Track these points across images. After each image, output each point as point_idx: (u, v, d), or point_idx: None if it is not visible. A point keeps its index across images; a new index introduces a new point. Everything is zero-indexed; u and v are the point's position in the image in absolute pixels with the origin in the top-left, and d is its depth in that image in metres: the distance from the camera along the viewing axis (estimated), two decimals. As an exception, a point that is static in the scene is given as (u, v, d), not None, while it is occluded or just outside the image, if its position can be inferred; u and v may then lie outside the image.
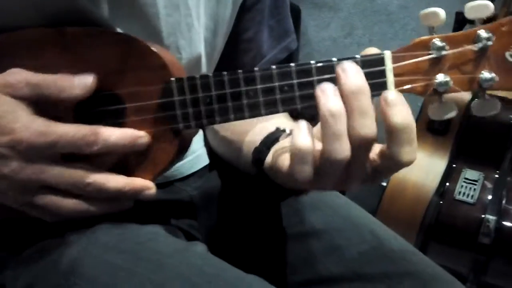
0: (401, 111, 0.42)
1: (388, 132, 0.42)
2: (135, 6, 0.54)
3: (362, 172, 0.44)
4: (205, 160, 0.74)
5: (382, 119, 0.43)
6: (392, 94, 0.42)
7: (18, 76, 0.46)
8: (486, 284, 1.30)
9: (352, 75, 0.42)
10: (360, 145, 0.42)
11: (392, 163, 0.43)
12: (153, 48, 0.49)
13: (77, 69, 0.49)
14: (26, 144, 0.45)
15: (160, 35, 0.56)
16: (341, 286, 0.62)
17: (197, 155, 0.72)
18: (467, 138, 1.41)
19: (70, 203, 0.48)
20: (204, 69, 0.63)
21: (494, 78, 0.44)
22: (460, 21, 1.68)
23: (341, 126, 0.41)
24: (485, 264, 1.27)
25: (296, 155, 0.42)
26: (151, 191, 0.50)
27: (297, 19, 2.00)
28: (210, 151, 0.74)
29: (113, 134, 0.47)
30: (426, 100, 1.21)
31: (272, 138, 0.55)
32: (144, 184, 0.50)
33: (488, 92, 0.45)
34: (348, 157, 0.42)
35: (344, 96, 0.42)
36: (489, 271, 1.28)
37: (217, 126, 0.69)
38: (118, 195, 0.49)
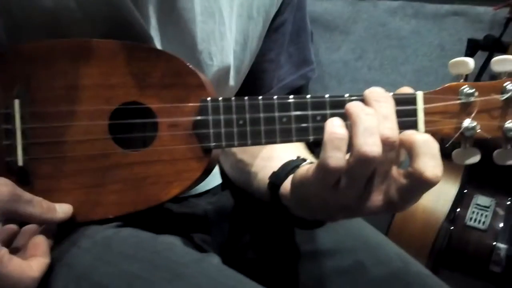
0: (421, 133, 0.44)
1: (411, 148, 0.43)
2: (174, 11, 0.56)
3: (384, 184, 0.44)
4: (218, 179, 0.74)
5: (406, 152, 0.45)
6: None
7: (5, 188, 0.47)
8: (498, 313, 1.27)
9: (376, 89, 0.45)
10: (384, 146, 0.42)
11: (416, 180, 0.42)
12: (192, 67, 0.51)
13: (113, 80, 0.51)
14: None
15: (195, 40, 0.59)
16: (354, 307, 0.60)
17: (212, 173, 0.72)
18: (479, 163, 1.39)
19: None
20: (232, 82, 0.65)
21: None
22: (472, 47, 1.69)
23: (373, 122, 0.43)
24: (496, 292, 1.24)
25: (332, 140, 0.42)
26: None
27: (308, 41, 2.01)
28: (222, 171, 0.74)
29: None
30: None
31: (293, 165, 0.55)
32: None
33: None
34: (379, 154, 0.42)
35: (369, 104, 0.45)
36: (501, 300, 1.25)
37: (235, 148, 0.69)
38: None
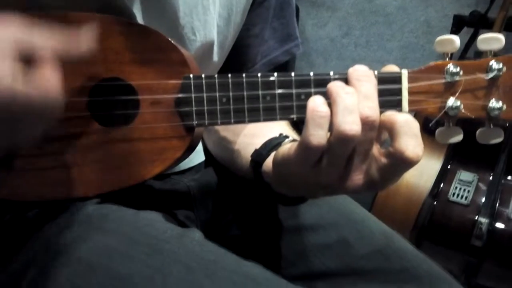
0: (401, 113, 0.44)
1: (391, 128, 0.43)
2: None
3: (365, 163, 0.44)
4: (201, 157, 0.74)
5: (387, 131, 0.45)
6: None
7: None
8: (477, 285, 1.30)
9: (360, 68, 0.45)
10: (364, 125, 0.42)
11: (397, 159, 0.43)
12: (174, 43, 0.50)
13: (93, 55, 0.48)
14: None
15: (177, 14, 0.57)
16: (336, 281, 0.61)
17: (195, 151, 0.72)
18: (463, 139, 1.41)
19: None
20: (215, 57, 0.64)
21: (502, 107, 0.46)
22: (458, 23, 1.69)
23: (353, 100, 0.43)
24: (476, 266, 1.27)
25: (314, 118, 0.42)
26: None
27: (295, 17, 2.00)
28: (205, 148, 0.74)
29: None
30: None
31: (275, 143, 0.55)
32: None
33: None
34: (358, 133, 0.42)
35: (351, 83, 0.44)
36: (481, 273, 1.28)
37: (218, 126, 0.69)
38: None
